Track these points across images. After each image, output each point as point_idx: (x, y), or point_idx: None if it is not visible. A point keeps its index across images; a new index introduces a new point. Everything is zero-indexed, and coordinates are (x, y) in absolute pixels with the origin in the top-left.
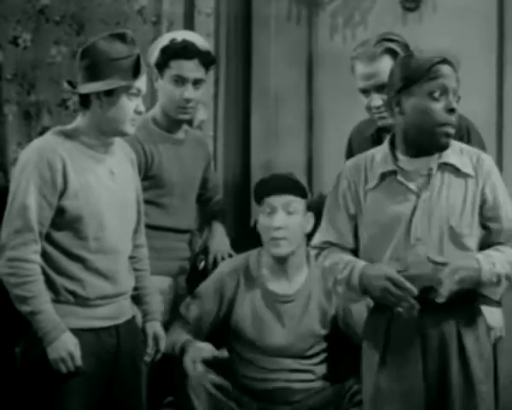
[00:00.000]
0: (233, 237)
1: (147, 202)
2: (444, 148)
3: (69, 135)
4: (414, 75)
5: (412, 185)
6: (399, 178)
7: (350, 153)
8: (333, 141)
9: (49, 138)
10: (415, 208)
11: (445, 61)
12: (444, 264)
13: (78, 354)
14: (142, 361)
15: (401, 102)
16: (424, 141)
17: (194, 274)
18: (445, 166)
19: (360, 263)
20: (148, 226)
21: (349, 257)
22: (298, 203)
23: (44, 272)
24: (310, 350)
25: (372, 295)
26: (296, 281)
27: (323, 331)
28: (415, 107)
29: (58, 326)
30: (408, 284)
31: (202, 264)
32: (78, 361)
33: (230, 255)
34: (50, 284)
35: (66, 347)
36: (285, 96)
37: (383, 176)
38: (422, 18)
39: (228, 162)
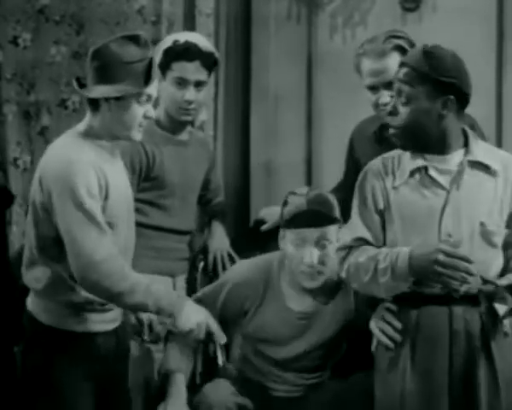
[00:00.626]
0: (233, 238)
1: (148, 202)
2: (401, 148)
3: (89, 139)
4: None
5: (443, 181)
6: (431, 173)
7: (351, 153)
8: (332, 140)
9: (77, 143)
10: (445, 204)
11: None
12: (494, 283)
13: (213, 320)
14: (128, 362)
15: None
16: None
17: (193, 274)
18: (474, 164)
19: (405, 248)
20: (149, 227)
21: (387, 249)
22: (331, 233)
23: (66, 282)
24: (317, 362)
25: (422, 274)
26: (311, 294)
27: (335, 339)
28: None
29: (176, 298)
30: (461, 253)
31: (201, 264)
32: (215, 325)
33: (230, 255)
34: (71, 293)
35: (197, 310)
36: (284, 96)
37: (413, 172)
38: (422, 18)
39: (227, 162)
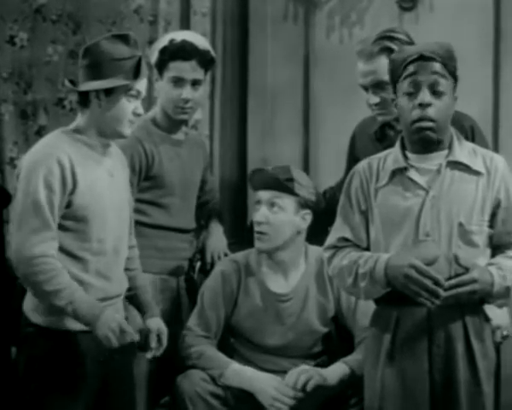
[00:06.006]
0: (229, 243)
1: (148, 202)
2: (424, 142)
3: (72, 136)
4: (394, 76)
5: (422, 181)
6: (409, 174)
7: (352, 150)
8: (329, 139)
9: (55, 138)
10: (423, 204)
11: (420, 57)
12: (464, 268)
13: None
14: (133, 360)
15: (396, 101)
16: (410, 139)
17: (191, 273)
18: (455, 164)
19: (385, 255)
20: (150, 226)
21: (369, 253)
22: (284, 200)
23: None
24: (309, 350)
25: (396, 285)
26: (293, 278)
27: (323, 329)
28: (398, 106)
29: (96, 305)
30: (432, 273)
31: (199, 263)
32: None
33: (227, 255)
34: None
35: (113, 318)
36: (281, 96)
37: (394, 173)
38: (419, 17)
39: (224, 161)
